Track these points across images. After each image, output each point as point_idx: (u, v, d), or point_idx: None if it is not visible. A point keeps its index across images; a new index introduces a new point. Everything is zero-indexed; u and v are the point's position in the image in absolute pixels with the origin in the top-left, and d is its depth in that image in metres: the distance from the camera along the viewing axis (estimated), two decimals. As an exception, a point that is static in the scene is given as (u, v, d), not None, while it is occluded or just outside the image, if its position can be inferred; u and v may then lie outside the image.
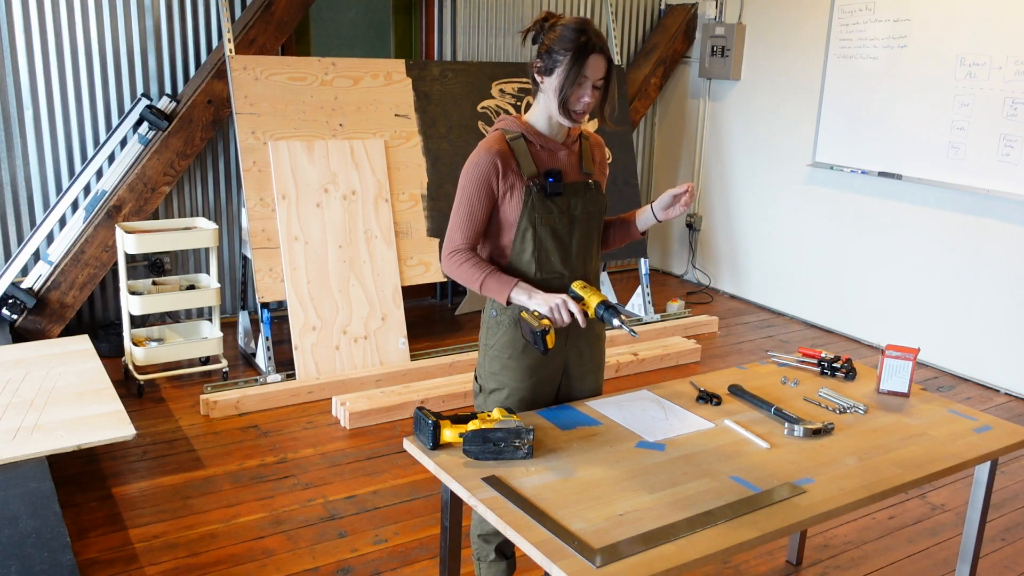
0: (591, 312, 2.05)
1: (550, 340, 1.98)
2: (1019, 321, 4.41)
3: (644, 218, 2.29)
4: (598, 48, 2.06)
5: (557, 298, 2.05)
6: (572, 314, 2.05)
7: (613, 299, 5.65)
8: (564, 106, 2.09)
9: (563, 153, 2.20)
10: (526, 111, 2.28)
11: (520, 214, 2.13)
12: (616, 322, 1.99)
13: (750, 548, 1.68)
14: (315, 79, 4.34)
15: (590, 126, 5.18)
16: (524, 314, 2.03)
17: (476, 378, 2.32)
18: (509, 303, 2.11)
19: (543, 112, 2.17)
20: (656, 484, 1.84)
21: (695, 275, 6.37)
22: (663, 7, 6.27)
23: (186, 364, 4.31)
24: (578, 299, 2.06)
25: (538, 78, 2.13)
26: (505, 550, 2.40)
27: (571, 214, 2.17)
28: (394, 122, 4.53)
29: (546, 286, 2.16)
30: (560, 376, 2.28)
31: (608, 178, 2.39)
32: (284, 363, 4.33)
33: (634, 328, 1.96)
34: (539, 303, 2.06)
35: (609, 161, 5.16)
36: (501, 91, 4.88)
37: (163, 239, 3.98)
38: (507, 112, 4.82)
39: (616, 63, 5.42)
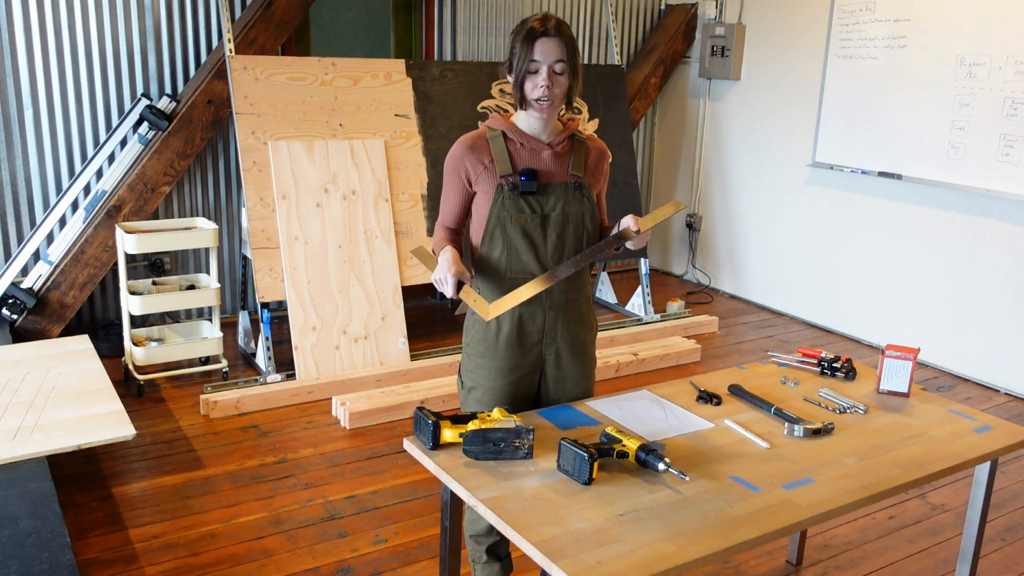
0: (631, 457, 1.90)
1: (595, 469, 1.82)
2: (1019, 321, 4.41)
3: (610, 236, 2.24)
4: (549, 32, 2.04)
5: (445, 271, 2.05)
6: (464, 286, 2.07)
7: (613, 299, 5.67)
8: (520, 91, 2.08)
9: (547, 153, 2.18)
10: None
11: (489, 211, 2.14)
12: (661, 466, 1.85)
13: (750, 548, 1.68)
14: (315, 79, 4.34)
15: (590, 126, 5.18)
16: (565, 440, 1.87)
17: (459, 374, 2.33)
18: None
19: (524, 111, 2.17)
20: (656, 484, 1.84)
21: (695, 275, 6.37)
22: (663, 7, 6.27)
23: (186, 364, 4.31)
24: (615, 441, 1.93)
25: (508, 78, 2.13)
26: (498, 551, 2.39)
27: (544, 214, 2.15)
28: (394, 122, 4.53)
29: (518, 286, 2.15)
30: (537, 378, 2.27)
31: (608, 179, 2.36)
32: (284, 363, 4.33)
33: (683, 472, 1.85)
34: (435, 271, 2.09)
35: (609, 161, 5.15)
36: (501, 91, 4.88)
37: (163, 239, 3.98)
38: (507, 112, 4.82)
39: (617, 63, 5.42)
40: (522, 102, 2.11)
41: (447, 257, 2.08)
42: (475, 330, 2.23)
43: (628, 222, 2.11)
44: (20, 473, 2.69)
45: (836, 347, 5.10)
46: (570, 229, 2.18)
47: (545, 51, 2.04)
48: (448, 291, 2.05)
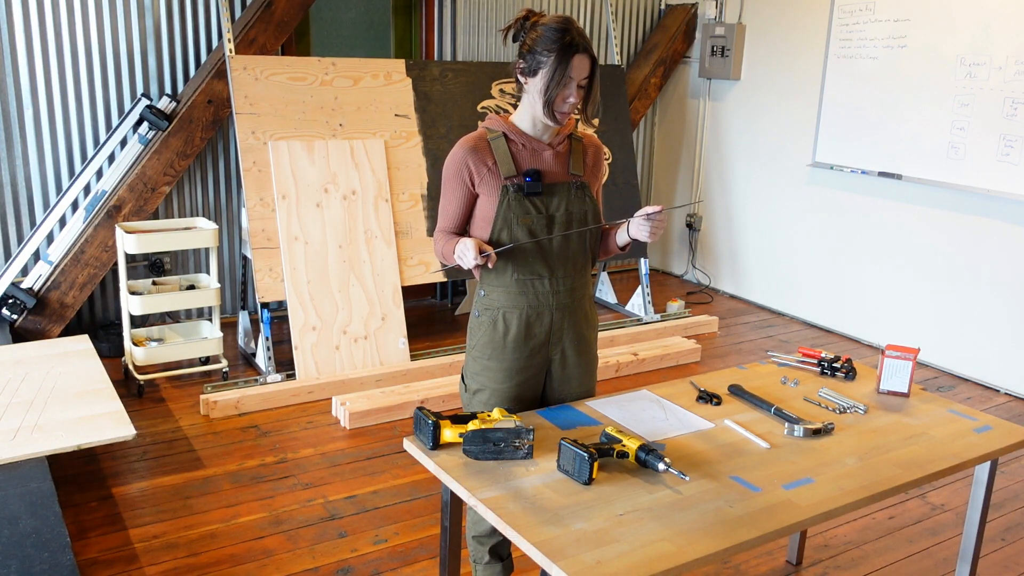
0: (631, 457, 1.89)
1: (595, 469, 1.82)
2: (1019, 321, 4.41)
3: (621, 233, 2.23)
4: (582, 48, 2.03)
5: (466, 244, 2.03)
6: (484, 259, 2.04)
7: (613, 299, 5.67)
8: (549, 107, 2.08)
9: (548, 153, 2.18)
10: None
11: (496, 213, 2.13)
12: (661, 466, 1.85)
13: (750, 548, 1.68)
14: (315, 79, 4.34)
15: (589, 128, 5.18)
16: (565, 440, 1.87)
17: (462, 377, 2.33)
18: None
19: (528, 112, 2.16)
20: (656, 484, 1.84)
21: (695, 275, 6.37)
22: (663, 7, 6.27)
23: (186, 364, 4.31)
24: (615, 441, 1.93)
25: (522, 79, 2.12)
26: (500, 551, 2.39)
27: (550, 214, 2.15)
28: (394, 122, 4.53)
29: (525, 287, 2.16)
30: (543, 378, 2.28)
31: (608, 178, 2.36)
32: (284, 363, 4.33)
33: (683, 472, 1.86)
34: (455, 251, 2.07)
35: (608, 161, 5.16)
36: (501, 91, 4.88)
37: (163, 239, 3.98)
38: (506, 112, 4.82)
39: (617, 63, 5.42)
40: (552, 116, 2.10)
41: (462, 239, 2.08)
42: (481, 332, 2.22)
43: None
44: (20, 473, 2.69)
45: (836, 347, 5.10)
46: (573, 228, 2.19)
47: (579, 67, 2.04)
48: (470, 257, 2.01)
